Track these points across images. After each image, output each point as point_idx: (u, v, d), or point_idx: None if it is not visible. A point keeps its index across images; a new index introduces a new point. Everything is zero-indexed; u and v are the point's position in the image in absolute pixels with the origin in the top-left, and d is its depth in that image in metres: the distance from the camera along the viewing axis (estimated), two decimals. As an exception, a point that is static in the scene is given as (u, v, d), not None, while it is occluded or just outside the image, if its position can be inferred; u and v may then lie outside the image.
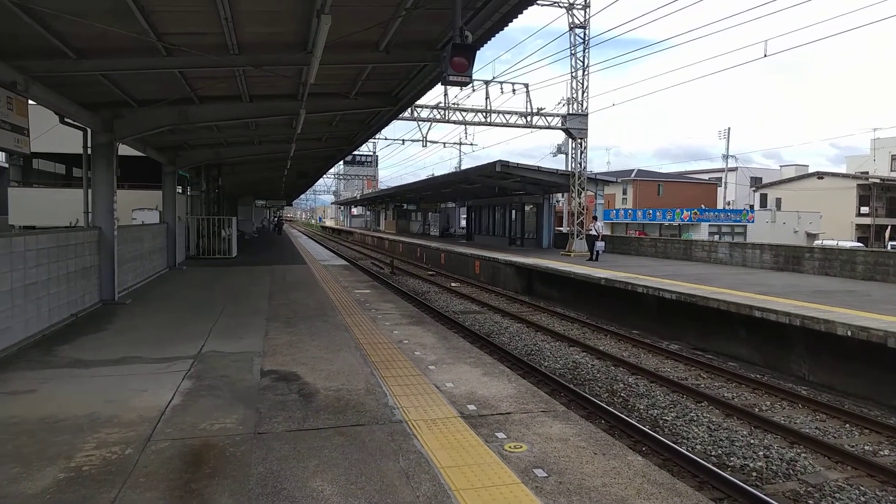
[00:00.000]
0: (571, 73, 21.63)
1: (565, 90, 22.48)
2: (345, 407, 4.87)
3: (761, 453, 6.37)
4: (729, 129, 55.95)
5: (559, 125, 22.30)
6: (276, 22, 7.22)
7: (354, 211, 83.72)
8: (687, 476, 5.67)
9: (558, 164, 37.73)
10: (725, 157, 49.51)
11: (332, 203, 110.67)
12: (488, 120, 22.18)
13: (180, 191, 19.22)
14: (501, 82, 21.99)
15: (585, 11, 20.91)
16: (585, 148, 22.45)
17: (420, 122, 24.10)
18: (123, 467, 3.70)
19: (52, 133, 10.86)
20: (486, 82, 21.74)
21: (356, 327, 8.19)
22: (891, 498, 5.44)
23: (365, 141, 20.31)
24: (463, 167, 45.78)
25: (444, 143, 33.97)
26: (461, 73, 6.58)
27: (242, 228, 32.82)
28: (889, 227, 39.14)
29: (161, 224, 15.96)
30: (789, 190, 48.47)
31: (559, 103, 22.58)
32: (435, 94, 38.05)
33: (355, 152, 39.84)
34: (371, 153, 56.31)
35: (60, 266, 8.03)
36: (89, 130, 10.08)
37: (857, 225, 43.41)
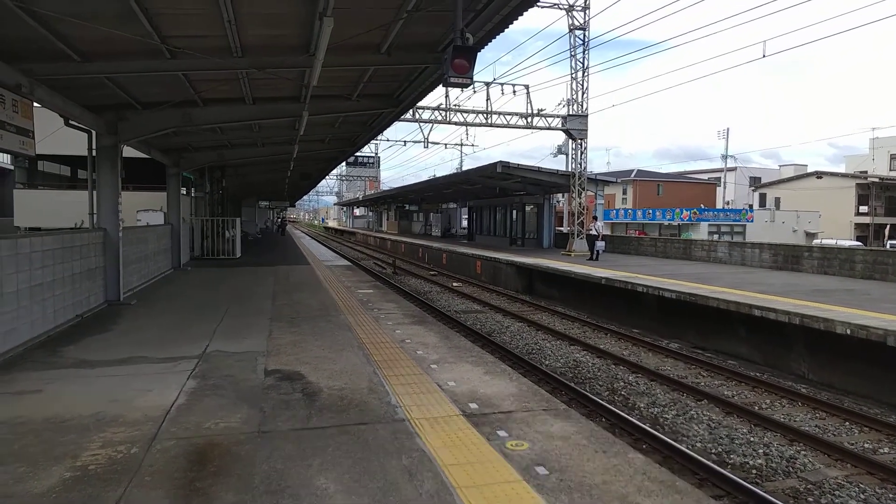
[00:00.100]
0: (571, 74, 21.67)
1: (565, 91, 22.49)
2: (348, 406, 4.92)
3: (761, 451, 6.41)
4: (728, 129, 56.16)
5: (559, 126, 22.33)
6: (278, 24, 7.27)
7: (357, 212, 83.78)
8: (687, 473, 5.71)
9: (559, 164, 37.78)
10: (724, 157, 49.53)
11: (334, 204, 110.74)
12: (489, 121, 22.23)
13: (184, 192, 19.26)
14: (502, 84, 22.05)
15: (585, 13, 20.96)
16: (585, 148, 22.49)
17: (421, 124, 24.18)
18: (129, 466, 3.75)
19: (56, 135, 10.92)
20: (487, 84, 21.80)
21: (359, 327, 8.24)
22: (890, 496, 5.47)
23: (367, 142, 20.37)
24: (464, 168, 45.79)
25: (446, 144, 34.17)
26: (462, 75, 6.63)
27: (246, 229, 32.88)
28: (888, 227, 39.14)
29: (165, 225, 16.02)
30: (788, 189, 48.44)
31: (559, 104, 22.62)
32: (436, 96, 38.08)
33: (357, 153, 39.90)
34: (373, 154, 56.35)
35: (66, 267, 8.09)
36: (94, 133, 10.15)
37: (855, 224, 43.39)
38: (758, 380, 9.12)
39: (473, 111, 22.20)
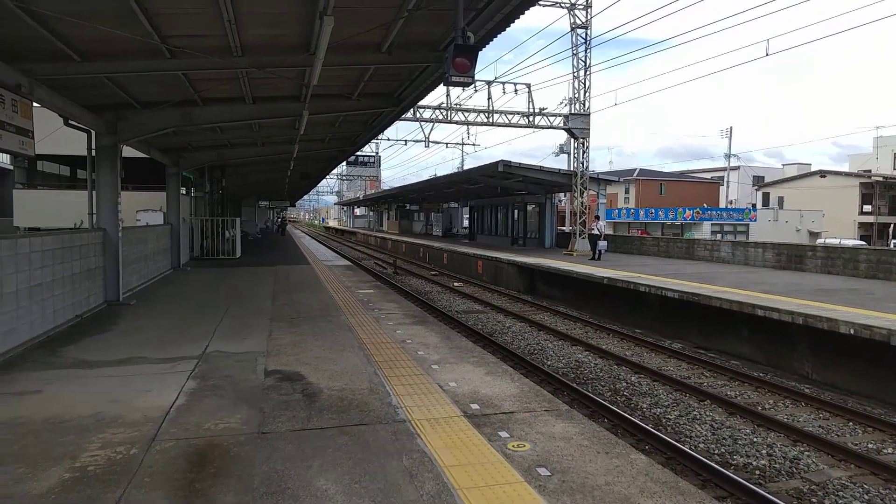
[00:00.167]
0: (573, 73, 21.66)
1: (567, 90, 22.55)
2: (348, 406, 4.89)
3: (764, 451, 6.38)
4: (731, 128, 56.09)
5: (561, 125, 22.31)
6: (279, 24, 7.25)
7: (357, 211, 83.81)
8: (690, 474, 5.68)
9: (560, 163, 37.82)
10: (727, 156, 49.41)
11: (335, 204, 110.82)
12: (490, 120, 22.20)
13: (184, 192, 19.27)
14: (503, 83, 22.01)
15: (587, 12, 20.94)
16: (587, 148, 22.46)
17: (422, 123, 24.14)
18: (128, 467, 3.72)
19: (56, 135, 10.91)
20: (489, 83, 21.77)
21: (359, 327, 8.21)
22: (894, 496, 5.44)
23: (368, 142, 20.34)
24: (465, 167, 45.77)
25: (447, 144, 34.06)
26: (463, 74, 6.59)
27: (246, 229, 32.91)
28: (892, 226, 39.07)
29: (165, 225, 16.01)
30: (792, 189, 48.39)
31: (561, 103, 22.62)
32: (437, 95, 38.15)
33: (358, 153, 39.93)
34: (374, 154, 56.49)
35: (65, 267, 8.07)
36: (93, 132, 10.13)
37: (859, 223, 43.32)
38: (761, 380, 9.09)
39: (475, 110, 22.18)
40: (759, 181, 55.17)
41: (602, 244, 20.16)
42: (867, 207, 43.34)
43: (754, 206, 48.08)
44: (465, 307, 16.34)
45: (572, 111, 21.95)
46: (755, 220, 40.17)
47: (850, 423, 7.37)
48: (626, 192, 51.04)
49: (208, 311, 9.33)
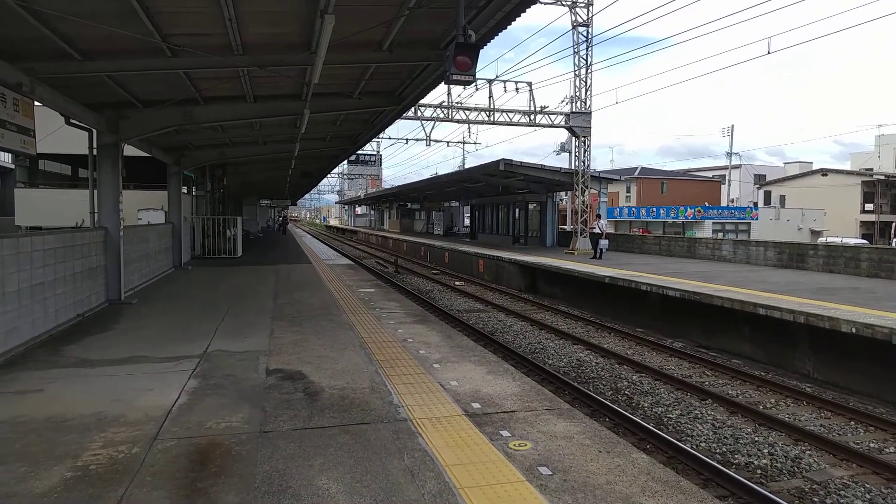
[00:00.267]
0: (574, 71, 21.63)
1: (568, 88, 22.49)
2: (350, 405, 4.90)
3: (766, 451, 6.37)
4: (732, 126, 55.95)
5: (562, 123, 22.29)
6: (279, 22, 7.24)
7: (358, 210, 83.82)
8: (692, 474, 5.68)
9: (562, 162, 37.73)
10: (729, 154, 49.39)
11: (336, 202, 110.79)
12: (492, 119, 22.18)
13: (185, 191, 19.28)
14: (505, 81, 22.00)
15: (588, 10, 20.91)
16: (589, 146, 22.45)
17: (423, 122, 24.13)
18: (130, 466, 3.73)
19: (57, 134, 10.91)
20: (490, 81, 21.74)
21: (361, 326, 8.21)
22: (896, 495, 5.43)
23: (369, 140, 20.32)
24: (466, 166, 45.78)
25: (448, 142, 34.03)
26: (464, 72, 6.58)
27: (247, 228, 32.93)
28: (894, 224, 39.00)
29: (166, 224, 16.02)
30: (793, 187, 48.32)
31: (562, 101, 22.58)
32: (438, 94, 38.13)
33: (359, 152, 39.93)
34: (375, 152, 56.51)
35: (67, 266, 8.08)
36: (95, 131, 10.13)
37: (861, 222, 43.26)
38: (762, 379, 9.08)
39: (476, 109, 22.16)
40: (760, 180, 55.10)
41: (603, 243, 20.14)
42: (869, 206, 43.26)
43: (756, 204, 48.03)
44: (466, 306, 16.33)
45: (573, 109, 21.92)
46: (757, 219, 40.14)
47: (852, 423, 7.36)
48: (628, 190, 51.00)
49: (210, 310, 9.33)
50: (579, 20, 20.99)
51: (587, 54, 21.37)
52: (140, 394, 5.12)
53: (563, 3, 20.69)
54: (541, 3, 19.68)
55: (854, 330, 8.36)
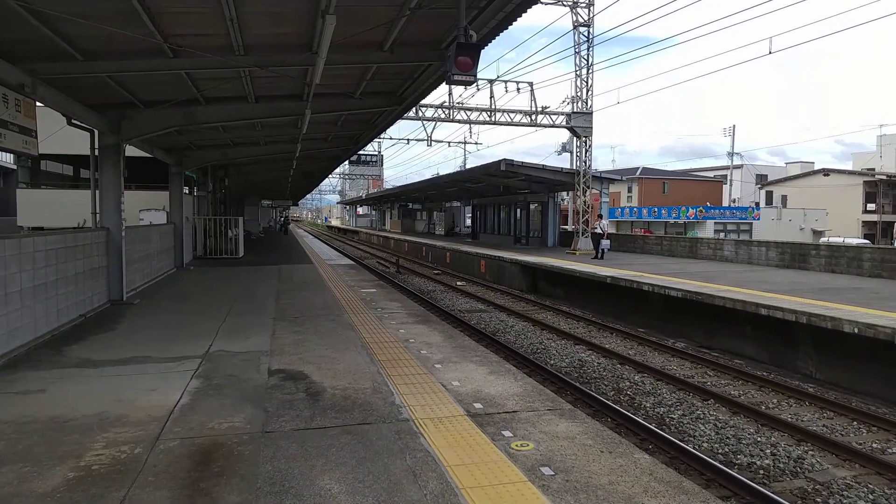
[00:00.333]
0: (576, 71, 21.61)
1: (570, 88, 22.39)
2: (352, 406, 4.90)
3: (768, 451, 6.36)
4: (734, 126, 55.89)
5: (564, 123, 22.27)
6: (281, 23, 7.25)
7: (360, 210, 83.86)
8: (694, 474, 5.67)
9: (563, 162, 37.75)
10: (731, 154, 49.34)
11: (337, 203, 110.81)
12: (493, 119, 22.17)
13: (187, 191, 19.29)
14: (506, 81, 21.98)
15: (589, 9, 20.89)
16: (590, 146, 22.44)
17: (425, 122, 24.13)
18: (133, 466, 3.73)
19: (59, 135, 10.92)
20: (491, 81, 21.73)
21: (362, 326, 8.22)
22: (899, 496, 5.42)
23: (370, 141, 20.35)
24: (468, 166, 45.79)
25: (449, 143, 34.06)
26: (466, 73, 6.58)
27: (249, 228, 32.96)
28: (896, 224, 38.94)
29: (168, 224, 16.03)
30: (795, 187, 48.27)
31: (564, 101, 22.54)
32: (439, 94, 38.15)
33: (360, 152, 39.94)
34: (376, 153, 56.39)
35: (69, 267, 8.09)
36: (96, 132, 10.15)
37: (863, 222, 43.22)
38: (764, 379, 9.07)
39: (477, 109, 22.15)
40: (762, 180, 55.06)
41: (605, 243, 20.13)
42: (871, 206, 43.22)
43: (757, 204, 48.00)
44: (467, 306, 16.33)
45: (575, 109, 21.90)
46: (758, 219, 40.11)
47: (855, 423, 7.35)
48: (629, 190, 50.99)
49: (212, 311, 9.34)
50: (580, 20, 20.98)
51: (588, 54, 21.37)
52: (142, 394, 5.13)
53: (565, 3, 20.68)
54: (542, 3, 19.69)
55: (856, 330, 8.34)
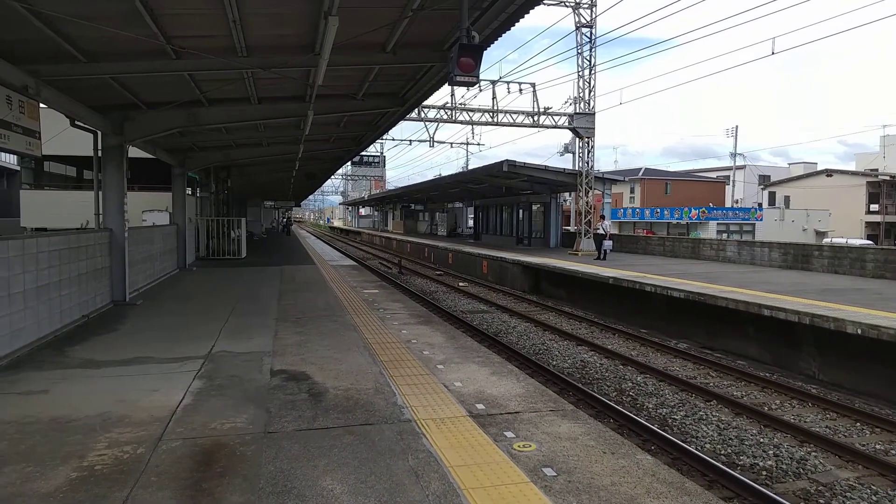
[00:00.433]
0: (578, 72, 21.60)
1: (572, 89, 22.34)
2: (354, 406, 4.90)
3: (771, 452, 6.35)
4: (737, 126, 55.63)
5: (566, 124, 22.25)
6: (283, 24, 7.26)
7: (362, 211, 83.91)
8: (696, 475, 5.66)
9: (565, 163, 37.72)
10: (733, 155, 49.21)
11: (340, 204, 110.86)
12: (495, 120, 22.16)
13: (190, 192, 19.33)
14: (508, 82, 21.94)
15: (592, 10, 20.87)
16: (592, 147, 22.41)
17: (427, 123, 24.11)
18: (135, 466, 3.74)
19: (62, 136, 10.95)
20: (493, 82, 21.71)
21: (365, 327, 8.22)
22: (902, 497, 5.40)
23: (372, 142, 20.34)
24: (470, 167, 45.72)
25: (451, 144, 33.98)
26: (468, 74, 6.58)
27: (251, 229, 32.99)
28: (900, 225, 38.83)
29: (171, 225, 16.05)
30: (798, 188, 48.18)
31: (566, 102, 22.51)
32: (442, 95, 38.19)
33: (363, 153, 39.98)
34: (378, 154, 56.53)
35: (72, 267, 8.11)
36: (100, 133, 10.16)
37: (866, 223, 43.11)
38: (767, 380, 9.05)
39: (479, 110, 22.14)
40: (765, 180, 54.97)
41: (607, 244, 20.11)
42: (874, 207, 43.10)
43: (760, 205, 47.89)
44: (470, 307, 16.33)
45: (577, 110, 21.89)
46: (761, 220, 40.04)
47: (858, 424, 7.33)
48: (632, 191, 50.92)
49: (214, 311, 9.35)
50: (583, 21, 20.97)
51: (591, 55, 21.34)
52: (145, 394, 5.14)
53: (567, 4, 20.68)
54: (544, 4, 19.69)
55: (860, 331, 8.32)
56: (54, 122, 10.01)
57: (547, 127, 22.35)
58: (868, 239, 37.79)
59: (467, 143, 34.98)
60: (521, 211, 30.13)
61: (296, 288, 12.48)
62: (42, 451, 3.95)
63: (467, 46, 6.41)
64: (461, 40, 6.40)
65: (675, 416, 7.50)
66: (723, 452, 6.39)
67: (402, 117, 14.21)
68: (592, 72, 21.48)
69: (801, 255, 16.55)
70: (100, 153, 10.24)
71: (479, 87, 20.86)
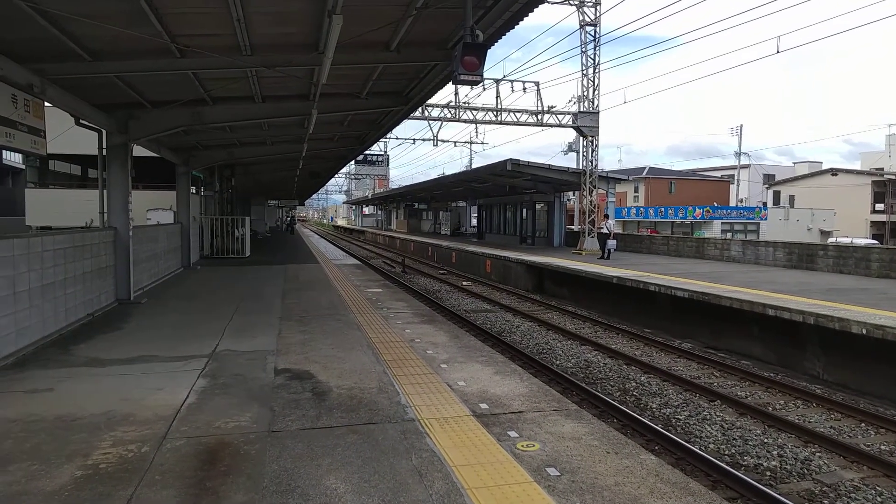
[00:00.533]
0: (582, 70, 21.55)
1: (576, 88, 22.36)
2: (357, 405, 4.90)
3: (775, 452, 6.33)
4: (741, 125, 55.63)
5: (570, 123, 22.22)
6: (288, 23, 7.26)
7: (366, 210, 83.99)
8: (700, 475, 5.65)
9: (569, 162, 37.71)
10: (738, 154, 49.10)
11: (343, 202, 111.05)
12: (499, 118, 22.14)
13: (194, 191, 19.38)
14: (512, 81, 21.93)
15: (596, 9, 20.83)
16: (596, 146, 22.37)
17: (431, 122, 24.11)
18: (140, 465, 3.75)
19: (67, 135, 11.00)
20: (497, 81, 21.69)
21: (368, 326, 8.23)
22: (907, 498, 5.38)
23: (376, 140, 20.35)
24: (474, 166, 45.76)
25: (455, 142, 34.11)
26: (472, 72, 6.59)
27: (255, 228, 33.05)
28: (905, 224, 38.66)
29: (175, 224, 16.10)
30: (803, 187, 48.01)
31: (570, 101, 22.49)
32: (446, 94, 38.05)
33: (367, 152, 40.01)
34: (382, 153, 56.53)
35: (77, 266, 8.13)
36: (104, 132, 10.20)
37: (871, 222, 42.94)
38: (771, 380, 9.03)
39: (483, 108, 22.13)
40: (769, 179, 54.78)
41: (611, 243, 20.07)
42: (879, 206, 42.93)
43: (765, 204, 47.72)
44: (473, 306, 16.33)
45: (581, 109, 21.85)
46: (766, 219, 39.88)
47: (863, 424, 7.30)
48: (636, 190, 50.80)
49: (218, 310, 9.37)
50: (587, 19, 20.92)
51: (595, 54, 21.29)
52: (149, 393, 5.15)
53: (571, 2, 20.63)
54: (548, 2, 19.62)
55: (864, 331, 8.29)
56: (59, 121, 10.05)
57: (551, 126, 22.33)
58: (873, 238, 37.63)
59: (471, 142, 35.00)
60: (524, 210, 30.11)
61: (299, 287, 12.49)
62: (47, 450, 3.97)
63: (471, 45, 6.41)
64: (465, 39, 6.40)
65: (679, 416, 7.48)
66: (727, 453, 6.38)
67: (405, 116, 14.22)
68: (596, 70, 21.45)
69: (806, 254, 16.49)
70: (104, 152, 10.28)
71: (483, 85, 20.83)
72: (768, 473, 5.90)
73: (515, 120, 22.31)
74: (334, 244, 41.35)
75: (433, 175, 58.74)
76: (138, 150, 11.93)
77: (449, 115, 22.13)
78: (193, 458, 3.87)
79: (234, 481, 3.55)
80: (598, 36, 21.09)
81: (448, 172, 44.07)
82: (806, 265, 16.25)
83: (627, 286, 13.84)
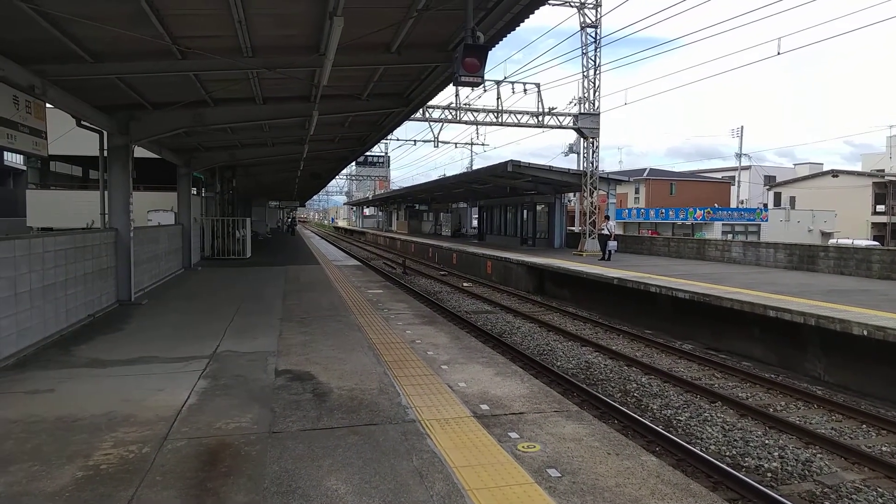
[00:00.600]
0: (583, 72, 21.57)
1: (577, 89, 22.44)
2: (358, 406, 4.90)
3: (776, 454, 6.32)
4: (742, 127, 55.64)
5: (571, 125, 22.24)
6: (289, 24, 7.28)
7: (367, 211, 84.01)
8: (701, 476, 5.64)
9: (570, 163, 37.68)
10: (738, 155, 49.10)
11: (344, 204, 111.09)
12: (500, 120, 22.16)
13: (195, 192, 19.39)
14: (513, 82, 21.97)
15: (597, 10, 20.86)
16: (597, 147, 22.38)
17: (432, 123, 24.15)
18: (141, 466, 3.75)
19: (69, 136, 11.00)
20: (498, 82, 21.72)
21: (369, 327, 8.23)
22: (909, 499, 5.38)
23: (377, 142, 20.37)
24: (474, 167, 45.78)
25: (456, 144, 33.95)
26: (473, 74, 6.59)
27: (256, 229, 33.06)
28: (906, 226, 38.63)
29: (176, 225, 16.11)
30: (803, 188, 48.01)
31: (571, 102, 22.52)
32: (446, 95, 38.03)
33: (367, 153, 39.95)
34: (383, 154, 56.49)
35: (78, 267, 8.14)
36: (105, 133, 10.21)
37: (872, 223, 42.91)
38: (772, 381, 9.02)
39: (484, 110, 22.15)
40: (770, 181, 54.78)
41: (612, 244, 20.06)
42: (880, 207, 42.91)
43: (766, 206, 47.75)
44: (474, 307, 16.32)
45: (582, 111, 21.87)
46: (766, 221, 39.89)
47: (864, 426, 7.29)
48: (637, 191, 50.81)
49: (219, 311, 9.38)
50: (588, 21, 20.95)
51: (595, 55, 21.32)
52: (150, 394, 5.15)
53: (572, 4, 20.66)
54: (549, 4, 19.62)
55: (866, 332, 8.28)
56: (60, 122, 10.05)
57: (551, 127, 22.35)
58: (874, 240, 37.58)
59: (472, 144, 35.06)
60: (525, 211, 30.10)
61: (300, 288, 12.50)
62: (48, 450, 3.97)
63: (472, 47, 6.41)
64: (466, 40, 6.40)
65: (680, 418, 7.48)
66: (728, 454, 6.37)
67: (406, 117, 14.24)
68: (597, 72, 21.47)
69: (807, 255, 16.48)
70: (105, 153, 10.29)
71: (484, 87, 20.85)
72: (769, 475, 5.89)
73: (516, 121, 22.34)
74: (335, 245, 41.36)
75: (434, 176, 58.85)
76: (139, 152, 11.94)
77: (450, 117, 22.16)
78: (194, 458, 3.87)
79: (235, 482, 3.56)
80: (598, 38, 21.13)
81: (449, 174, 44.17)
82: (807, 266, 16.24)
83: (628, 287, 13.84)
